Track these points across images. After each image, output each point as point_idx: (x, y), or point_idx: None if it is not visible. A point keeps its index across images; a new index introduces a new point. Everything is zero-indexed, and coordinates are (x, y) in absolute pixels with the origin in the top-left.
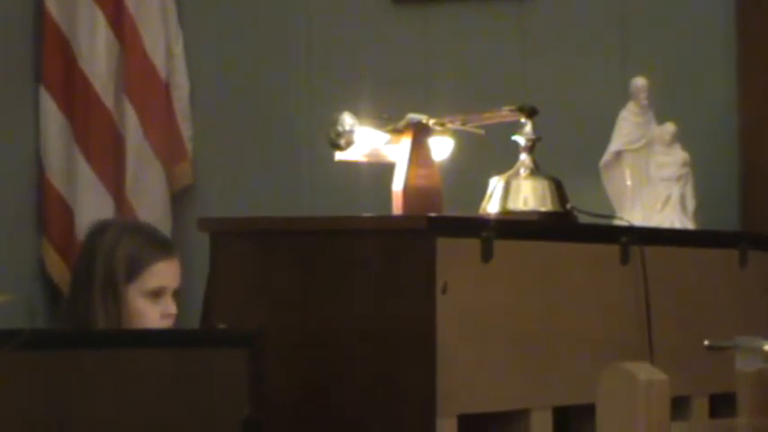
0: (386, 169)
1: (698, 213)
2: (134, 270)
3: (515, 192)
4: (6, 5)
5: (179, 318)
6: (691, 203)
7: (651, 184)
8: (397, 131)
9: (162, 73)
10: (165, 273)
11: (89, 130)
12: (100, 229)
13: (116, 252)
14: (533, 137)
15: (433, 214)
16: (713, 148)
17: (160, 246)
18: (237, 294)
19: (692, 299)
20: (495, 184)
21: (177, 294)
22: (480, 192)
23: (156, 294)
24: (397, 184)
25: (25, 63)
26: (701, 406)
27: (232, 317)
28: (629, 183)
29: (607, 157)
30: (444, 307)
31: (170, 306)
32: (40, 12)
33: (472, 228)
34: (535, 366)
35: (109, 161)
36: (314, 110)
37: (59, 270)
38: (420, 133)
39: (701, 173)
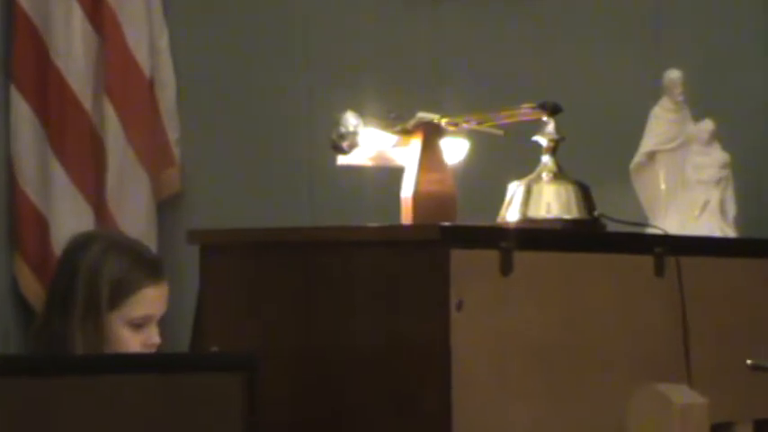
0: (394, 174)
1: (739, 220)
2: (119, 296)
3: (537, 198)
4: None
5: (166, 340)
6: (731, 209)
7: (687, 188)
8: (406, 132)
9: (146, 70)
10: (152, 300)
11: (65, 133)
12: (82, 244)
13: (101, 273)
14: (556, 137)
15: (446, 223)
16: (756, 148)
17: (150, 268)
18: (230, 313)
19: (733, 314)
20: (515, 189)
21: (161, 321)
22: (498, 198)
23: (141, 324)
24: (407, 191)
25: None
26: None
27: (224, 338)
28: (663, 187)
29: (638, 158)
30: (460, 325)
31: (153, 336)
32: (10, 4)
33: (490, 238)
34: (559, 390)
35: (88, 168)
36: (314, 109)
37: (33, 288)
38: (431, 134)
39: (742, 175)
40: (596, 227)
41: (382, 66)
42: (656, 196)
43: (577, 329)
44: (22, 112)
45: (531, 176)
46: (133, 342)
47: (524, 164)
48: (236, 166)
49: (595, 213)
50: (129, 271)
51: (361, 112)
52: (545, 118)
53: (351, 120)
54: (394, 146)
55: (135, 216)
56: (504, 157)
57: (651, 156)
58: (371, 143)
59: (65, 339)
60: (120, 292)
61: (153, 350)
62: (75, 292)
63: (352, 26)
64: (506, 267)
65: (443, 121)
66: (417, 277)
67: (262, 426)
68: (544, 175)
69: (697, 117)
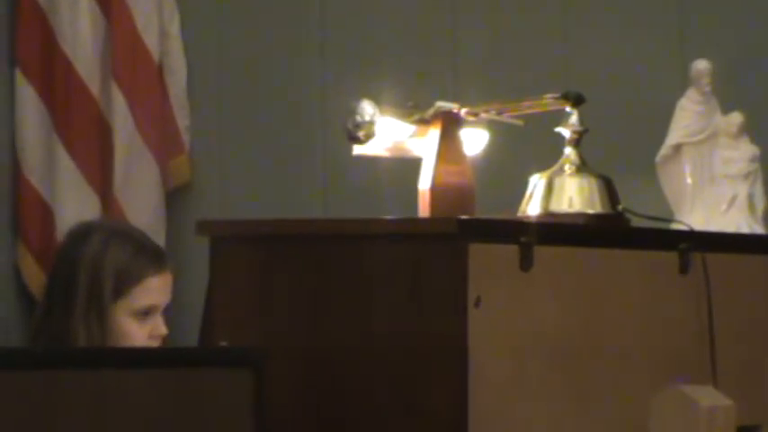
0: (411, 165)
1: None
2: (123, 286)
3: (559, 191)
4: None
5: (174, 334)
6: (760, 204)
7: (715, 183)
8: (424, 122)
9: (155, 55)
10: (156, 290)
11: (72, 119)
12: (83, 234)
13: (103, 263)
14: (580, 129)
15: (464, 217)
16: None
17: (153, 257)
18: (240, 307)
19: (760, 313)
20: (536, 182)
21: (167, 311)
22: (519, 191)
23: (146, 313)
24: (424, 183)
25: None
26: None
27: (234, 333)
28: (689, 181)
29: (664, 151)
30: (477, 323)
31: (160, 326)
32: None
33: (509, 232)
34: (581, 390)
35: (95, 155)
36: (328, 97)
37: (37, 278)
38: (450, 124)
39: None
40: (620, 222)
41: (400, 52)
42: (681, 190)
43: (599, 327)
44: (28, 97)
45: (553, 169)
46: (140, 334)
47: (546, 156)
48: (247, 155)
49: (619, 208)
50: (132, 260)
51: (377, 101)
52: (568, 108)
53: (367, 109)
54: (411, 136)
55: (143, 205)
56: (525, 149)
57: (677, 149)
58: (388, 133)
59: (67, 332)
60: (124, 283)
61: (159, 341)
62: (77, 284)
63: (369, 11)
64: (526, 263)
65: (463, 111)
66: (434, 272)
67: (270, 422)
68: (566, 167)
69: (725, 109)
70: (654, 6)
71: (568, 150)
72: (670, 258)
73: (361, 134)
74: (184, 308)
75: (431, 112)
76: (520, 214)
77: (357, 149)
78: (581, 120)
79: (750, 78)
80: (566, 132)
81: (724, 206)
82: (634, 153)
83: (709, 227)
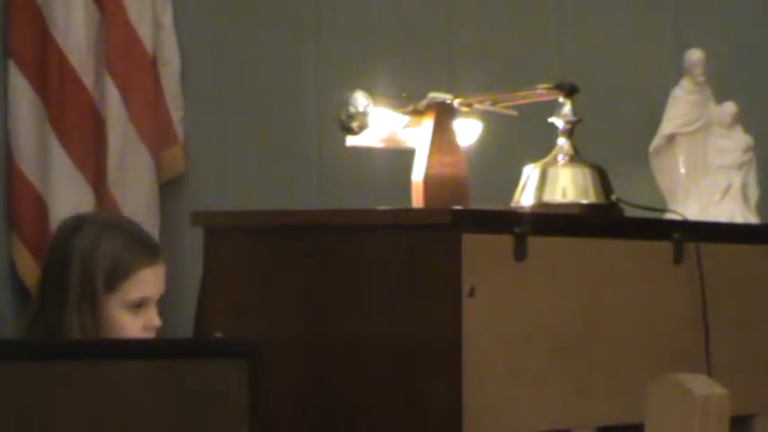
0: (404, 156)
1: (762, 205)
2: (115, 278)
3: (553, 181)
4: None
5: (169, 325)
6: (754, 194)
7: (708, 173)
8: (418, 113)
9: (148, 46)
10: (150, 282)
11: (65, 110)
12: (74, 227)
13: (95, 256)
14: (573, 119)
15: (458, 207)
16: None
17: (145, 249)
18: (235, 299)
19: (755, 302)
20: (530, 172)
21: (160, 302)
22: (513, 182)
23: (139, 305)
24: (418, 174)
25: None
26: (765, 426)
27: (229, 324)
28: (682, 171)
29: (658, 141)
30: (472, 313)
31: (154, 318)
32: None
33: (503, 222)
34: (576, 380)
35: (88, 147)
36: (322, 88)
37: (32, 271)
38: (444, 115)
39: (765, 159)
40: (613, 212)
41: (394, 43)
42: (675, 180)
43: (593, 317)
44: (21, 88)
45: (547, 159)
46: (133, 326)
47: (540, 146)
48: (242, 146)
49: (613, 198)
50: (125, 253)
51: (371, 92)
52: (561, 99)
53: (360, 100)
54: (405, 127)
55: (137, 197)
56: (518, 140)
57: (671, 139)
58: (382, 124)
59: (61, 326)
60: (116, 276)
61: (154, 333)
62: (70, 277)
63: (364, 2)
64: (520, 253)
65: (456, 102)
66: (428, 263)
67: (266, 414)
68: (560, 157)
69: (719, 99)
70: None
71: (562, 141)
72: (664, 248)
73: (354, 125)
74: (179, 299)
75: (424, 102)
76: (514, 205)
77: (351, 140)
78: (574, 110)
79: (744, 68)
80: (559, 123)
81: (718, 196)
82: (627, 143)
83: (703, 217)
